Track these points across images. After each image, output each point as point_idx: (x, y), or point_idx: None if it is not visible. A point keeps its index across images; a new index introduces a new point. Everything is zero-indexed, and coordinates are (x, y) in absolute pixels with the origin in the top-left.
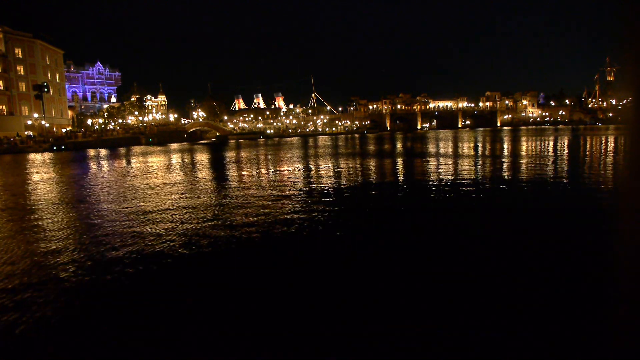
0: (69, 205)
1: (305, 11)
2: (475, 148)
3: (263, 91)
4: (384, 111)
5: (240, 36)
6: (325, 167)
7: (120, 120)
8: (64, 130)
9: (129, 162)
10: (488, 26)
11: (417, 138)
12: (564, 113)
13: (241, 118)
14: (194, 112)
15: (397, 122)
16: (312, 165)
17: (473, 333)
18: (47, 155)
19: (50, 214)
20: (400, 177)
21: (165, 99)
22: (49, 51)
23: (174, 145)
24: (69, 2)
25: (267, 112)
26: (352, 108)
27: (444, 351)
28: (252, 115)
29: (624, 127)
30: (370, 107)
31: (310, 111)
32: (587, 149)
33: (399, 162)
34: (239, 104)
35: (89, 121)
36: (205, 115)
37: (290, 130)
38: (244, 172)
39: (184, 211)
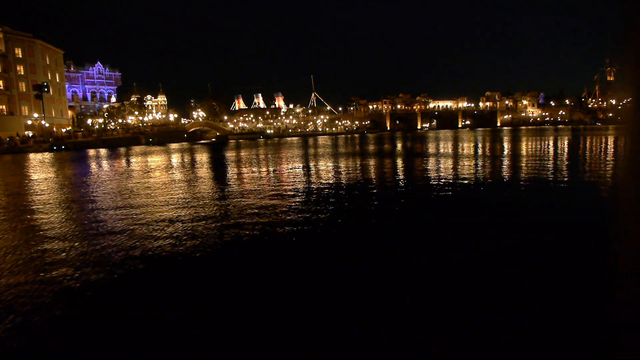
0: (69, 204)
1: (306, 11)
2: (475, 148)
3: (263, 91)
4: (384, 111)
5: (241, 36)
6: (325, 167)
7: (120, 120)
8: (64, 130)
9: (128, 162)
10: (488, 26)
11: (417, 138)
12: (564, 113)
13: (241, 118)
14: (194, 112)
15: (397, 122)
16: (312, 165)
17: (473, 333)
18: (47, 155)
19: (51, 214)
20: (400, 177)
21: (165, 99)
22: (49, 51)
23: (174, 145)
24: (69, 2)
25: (267, 112)
26: (352, 108)
27: (443, 351)
28: (252, 115)
29: (624, 127)
30: (370, 107)
31: (310, 111)
32: (587, 149)
33: (399, 162)
34: (239, 104)
35: (89, 121)
36: (205, 115)
37: (290, 130)
38: (244, 172)
39: (183, 210)
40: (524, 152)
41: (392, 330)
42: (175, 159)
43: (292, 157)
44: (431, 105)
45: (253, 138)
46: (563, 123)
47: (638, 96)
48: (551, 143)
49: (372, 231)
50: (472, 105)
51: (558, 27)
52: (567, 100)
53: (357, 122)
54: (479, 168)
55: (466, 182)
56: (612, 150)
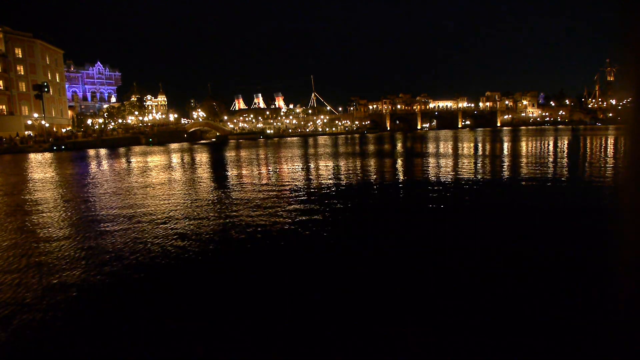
0: (69, 204)
1: (306, 11)
2: (475, 148)
3: (263, 91)
4: (384, 111)
5: (240, 36)
6: (325, 167)
7: (120, 120)
8: (64, 130)
9: (128, 162)
10: (488, 26)
11: (417, 138)
12: (564, 113)
13: (241, 118)
14: (194, 112)
15: (397, 122)
16: (312, 165)
17: (472, 333)
18: (47, 155)
19: (51, 213)
20: (400, 177)
21: (165, 99)
22: (49, 51)
23: (174, 145)
24: (69, 2)
25: (267, 112)
26: (352, 108)
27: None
28: (252, 115)
29: (624, 127)
30: (370, 107)
31: (310, 111)
32: (587, 149)
33: (399, 161)
34: (239, 104)
35: (89, 121)
36: (205, 115)
37: (290, 130)
38: (244, 171)
39: (183, 210)
40: (524, 152)
41: (391, 330)
42: (175, 159)
43: (292, 157)
44: (431, 105)
45: (253, 138)
46: (563, 123)
47: (638, 96)
48: (551, 143)
49: (371, 231)
50: (472, 105)
51: (558, 27)
52: (567, 101)
53: (357, 122)
54: (479, 168)
55: (466, 182)
56: (612, 150)
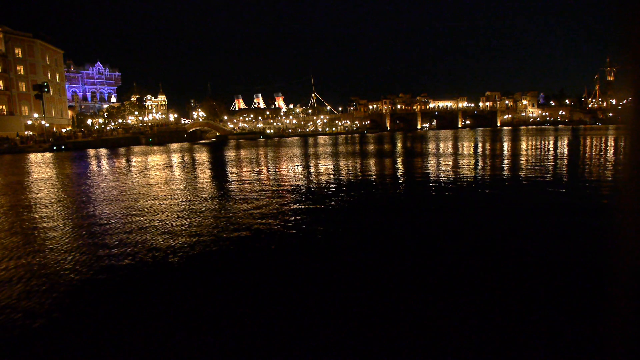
0: (68, 203)
1: (306, 11)
2: (475, 148)
3: (263, 91)
4: (384, 111)
5: (241, 36)
6: (325, 166)
7: (120, 120)
8: (64, 130)
9: (129, 162)
10: (488, 26)
11: (417, 138)
12: (564, 113)
13: (241, 118)
14: (194, 112)
15: (397, 122)
16: (311, 165)
17: (471, 332)
18: (47, 155)
19: (52, 212)
20: (400, 176)
21: (165, 99)
22: (49, 51)
23: (174, 145)
24: (69, 2)
25: (267, 112)
26: (352, 108)
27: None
28: (252, 115)
29: (624, 127)
30: (370, 107)
31: (310, 111)
32: (587, 148)
33: (399, 161)
34: (239, 104)
35: (89, 121)
36: (205, 115)
37: (290, 130)
38: (244, 171)
39: (181, 209)
40: (524, 152)
41: (391, 332)
42: (176, 158)
43: (292, 157)
44: (431, 105)
45: (253, 138)
46: (563, 123)
47: (638, 96)
48: (551, 143)
49: (371, 231)
50: (472, 105)
51: (558, 27)
52: (567, 100)
53: (357, 122)
54: (479, 168)
55: (466, 181)
56: (612, 150)
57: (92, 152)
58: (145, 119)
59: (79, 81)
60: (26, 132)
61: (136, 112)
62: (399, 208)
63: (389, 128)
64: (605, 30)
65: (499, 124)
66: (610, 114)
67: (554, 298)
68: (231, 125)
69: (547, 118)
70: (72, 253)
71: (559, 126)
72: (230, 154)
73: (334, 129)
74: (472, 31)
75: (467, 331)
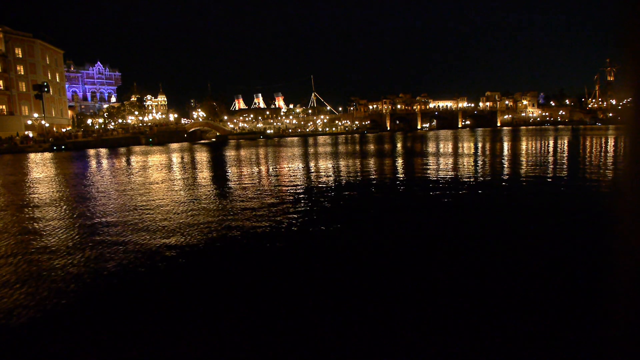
0: (63, 202)
1: (306, 11)
2: (475, 148)
3: (263, 91)
4: (384, 111)
5: (240, 36)
6: (325, 166)
7: (120, 120)
8: (64, 130)
9: (129, 162)
10: (489, 26)
11: (417, 138)
12: (564, 113)
13: (241, 118)
14: (194, 112)
15: (397, 122)
16: (311, 164)
17: (470, 333)
18: (47, 155)
19: (53, 211)
20: (400, 176)
21: (165, 99)
22: (49, 51)
23: (174, 145)
24: (69, 2)
25: (267, 112)
26: (352, 108)
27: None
28: (252, 115)
29: (624, 127)
30: (370, 107)
31: (310, 111)
32: (587, 148)
33: (399, 161)
34: (239, 104)
35: (89, 121)
36: (205, 115)
37: (290, 130)
38: (244, 170)
39: (181, 208)
40: (524, 152)
41: (390, 333)
42: (176, 158)
43: (292, 157)
44: (431, 105)
45: (253, 138)
46: (563, 123)
47: (638, 96)
48: (551, 143)
49: (370, 231)
50: (472, 105)
51: (558, 27)
52: (567, 100)
53: (357, 122)
54: (479, 167)
55: (466, 181)
56: (612, 150)
57: (92, 152)
58: (145, 119)
59: (79, 81)
60: (26, 132)
61: (136, 112)
62: (399, 208)
63: (389, 128)
64: (605, 30)
65: (499, 124)
66: (610, 114)
67: (554, 298)
68: (231, 125)
69: (547, 118)
70: (66, 254)
71: (559, 126)
72: (230, 153)
73: (334, 129)
74: (472, 31)
75: (467, 331)
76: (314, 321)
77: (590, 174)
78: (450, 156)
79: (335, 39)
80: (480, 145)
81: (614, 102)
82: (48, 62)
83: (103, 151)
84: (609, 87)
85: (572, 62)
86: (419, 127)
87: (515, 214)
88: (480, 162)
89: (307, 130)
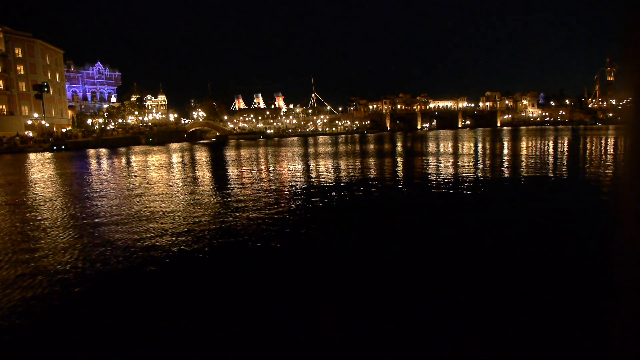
0: (61, 201)
1: (306, 11)
2: (475, 148)
3: (263, 91)
4: (384, 111)
5: (241, 36)
6: (324, 166)
7: (120, 120)
8: (64, 130)
9: (129, 162)
10: (489, 26)
11: (417, 138)
12: (564, 113)
13: (241, 118)
14: (194, 112)
15: (397, 122)
16: (311, 164)
17: (469, 334)
18: (47, 155)
19: (47, 210)
20: (400, 176)
21: (165, 99)
22: (49, 51)
23: (174, 145)
24: (69, 2)
25: (267, 112)
26: (352, 108)
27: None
28: (252, 115)
29: (624, 127)
30: (370, 107)
31: (310, 111)
32: (587, 149)
33: (399, 161)
34: (239, 104)
35: (89, 121)
36: (205, 115)
37: (290, 130)
38: (244, 170)
39: (180, 207)
40: (524, 152)
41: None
42: (176, 158)
43: (292, 157)
44: (431, 105)
45: (253, 138)
46: (563, 123)
47: (638, 96)
48: (551, 143)
49: (370, 231)
50: (472, 105)
51: (559, 27)
52: (567, 100)
53: (357, 122)
54: (479, 167)
55: (466, 181)
56: (612, 150)
57: (92, 152)
58: (145, 119)
59: (79, 81)
60: (26, 132)
61: (136, 112)
62: (398, 208)
63: (389, 128)
64: (605, 30)
65: (499, 124)
66: (610, 114)
67: (554, 299)
68: (231, 125)
69: (547, 118)
70: (63, 252)
71: (559, 126)
72: (230, 153)
73: (334, 129)
74: (472, 31)
75: (467, 330)
76: (313, 321)
77: (590, 173)
78: (450, 156)
79: (335, 39)
80: (480, 145)
81: (614, 102)
82: (48, 62)
83: (103, 151)
84: (609, 87)
85: (572, 62)
86: (419, 127)
87: (515, 214)
88: (480, 162)
89: (307, 130)
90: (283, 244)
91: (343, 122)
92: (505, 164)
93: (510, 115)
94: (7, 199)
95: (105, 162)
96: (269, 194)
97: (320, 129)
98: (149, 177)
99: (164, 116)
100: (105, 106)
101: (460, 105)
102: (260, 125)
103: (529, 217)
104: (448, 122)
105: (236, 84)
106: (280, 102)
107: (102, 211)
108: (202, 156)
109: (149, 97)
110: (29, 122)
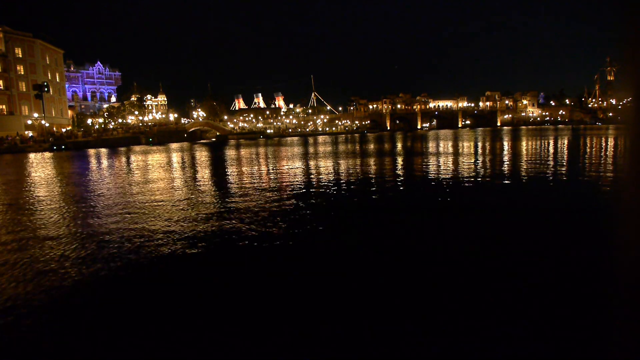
0: (60, 201)
1: (306, 11)
2: (475, 147)
3: (263, 91)
4: (384, 111)
5: (241, 36)
6: (324, 166)
7: (120, 120)
8: (64, 130)
9: (129, 161)
10: (489, 26)
11: (417, 137)
12: (564, 113)
13: (241, 118)
14: (194, 112)
15: (397, 121)
16: (311, 164)
17: (468, 334)
18: (47, 155)
19: (54, 210)
20: (400, 176)
21: (165, 99)
22: (49, 51)
23: (174, 145)
24: (69, 2)
25: (267, 112)
26: (352, 108)
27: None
28: (252, 115)
29: (624, 127)
30: (370, 107)
31: (310, 111)
32: (587, 148)
33: (399, 160)
34: (239, 103)
35: (89, 121)
36: (205, 115)
37: (290, 130)
38: (244, 170)
39: (180, 207)
40: (524, 152)
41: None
42: (176, 157)
43: (292, 156)
44: (431, 105)
45: (253, 138)
46: (563, 123)
47: (638, 96)
48: (551, 143)
49: (370, 231)
50: (472, 105)
51: (558, 27)
52: (567, 100)
53: (357, 122)
54: (479, 167)
55: (466, 181)
56: (612, 150)
57: (92, 151)
58: (145, 118)
59: (79, 81)
60: (26, 132)
61: (136, 112)
62: (399, 208)
63: (389, 128)
64: (606, 29)
65: (499, 124)
66: (610, 114)
67: (554, 299)
68: (231, 125)
69: (547, 118)
70: (63, 252)
71: (559, 126)
72: (230, 153)
73: (334, 128)
74: (471, 31)
75: (467, 330)
76: (313, 321)
77: (590, 173)
78: (450, 155)
79: (335, 39)
80: (480, 144)
81: (614, 101)
82: (48, 62)
83: (103, 151)
84: (609, 87)
85: (572, 62)
86: (419, 126)
87: (515, 214)
88: (480, 162)
89: (307, 130)
90: (283, 244)
91: (343, 121)
92: (505, 163)
93: (510, 115)
94: (7, 199)
95: (105, 162)
96: (269, 194)
97: (320, 129)
98: (148, 177)
99: (164, 116)
100: (105, 106)
101: (460, 105)
102: (260, 125)
103: (529, 217)
104: (448, 122)
105: (236, 84)
106: (280, 102)
107: (102, 211)
108: (202, 156)
109: (149, 97)
110: (29, 122)
